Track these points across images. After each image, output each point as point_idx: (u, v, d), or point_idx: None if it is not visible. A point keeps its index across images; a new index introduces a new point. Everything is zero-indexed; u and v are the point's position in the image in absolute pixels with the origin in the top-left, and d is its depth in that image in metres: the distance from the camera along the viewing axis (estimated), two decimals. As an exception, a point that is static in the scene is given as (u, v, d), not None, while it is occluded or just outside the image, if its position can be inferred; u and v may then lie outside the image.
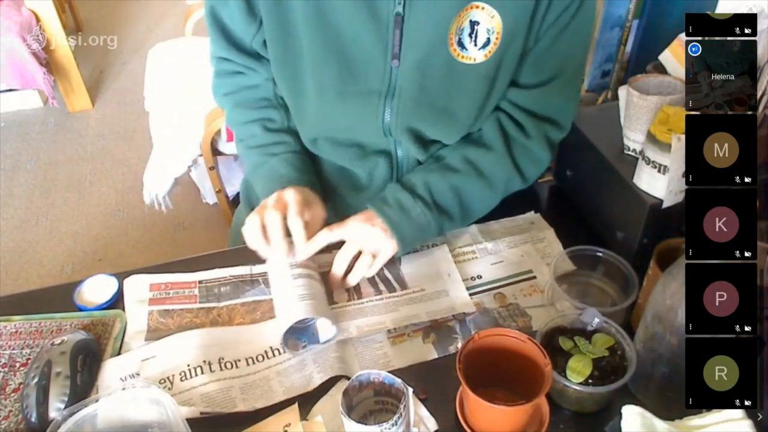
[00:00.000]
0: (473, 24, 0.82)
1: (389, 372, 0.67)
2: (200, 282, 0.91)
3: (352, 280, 0.87)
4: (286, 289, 0.83)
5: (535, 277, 0.92)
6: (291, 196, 0.86)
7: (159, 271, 0.94)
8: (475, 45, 0.84)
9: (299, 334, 0.82)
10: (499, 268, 0.93)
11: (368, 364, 0.80)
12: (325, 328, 0.82)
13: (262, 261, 0.93)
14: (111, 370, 0.79)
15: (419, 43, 0.83)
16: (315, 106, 0.92)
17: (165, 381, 0.78)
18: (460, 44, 0.84)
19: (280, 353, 0.81)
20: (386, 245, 0.86)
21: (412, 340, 0.83)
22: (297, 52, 0.88)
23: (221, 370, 0.79)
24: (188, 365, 0.80)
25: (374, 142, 0.95)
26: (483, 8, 0.81)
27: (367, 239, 0.86)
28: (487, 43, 0.83)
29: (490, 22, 0.82)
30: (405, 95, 0.88)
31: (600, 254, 0.87)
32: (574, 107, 0.94)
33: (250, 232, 0.85)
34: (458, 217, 0.92)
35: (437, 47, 0.83)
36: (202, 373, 0.79)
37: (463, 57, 0.84)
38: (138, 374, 0.79)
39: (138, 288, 0.89)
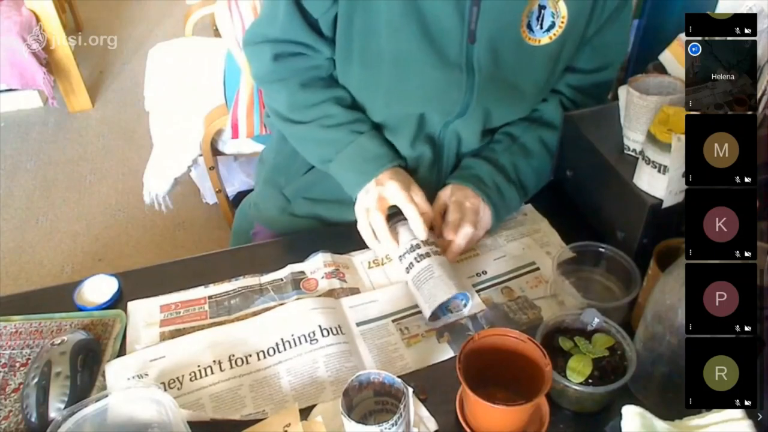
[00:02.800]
0: (541, 8, 0.88)
1: (405, 375, 0.67)
2: (210, 297, 0.89)
3: (461, 245, 0.91)
4: (422, 269, 0.86)
5: (538, 269, 0.92)
6: (394, 188, 0.89)
7: (159, 271, 0.94)
8: (541, 28, 0.89)
9: (439, 309, 0.84)
10: (503, 262, 0.93)
11: (385, 368, 0.78)
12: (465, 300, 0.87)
13: (269, 270, 0.93)
14: (118, 370, 0.79)
15: (494, 22, 0.87)
16: (389, 78, 0.92)
17: (174, 381, 0.78)
18: (529, 26, 0.89)
19: (291, 346, 0.81)
20: (488, 222, 0.95)
21: (426, 340, 0.83)
22: (373, 22, 0.88)
23: (231, 368, 0.79)
24: (198, 366, 0.80)
25: (434, 124, 0.97)
26: None
27: (479, 218, 0.94)
28: (552, 26, 0.89)
29: (555, 7, 0.88)
30: (482, 72, 0.91)
31: (602, 250, 0.87)
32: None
33: (366, 236, 0.91)
34: (531, 193, 1.01)
35: (510, 28, 0.88)
36: (212, 373, 0.79)
37: (530, 39, 0.90)
38: (147, 374, 0.79)
39: (148, 310, 0.88)
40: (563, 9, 0.88)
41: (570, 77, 1.00)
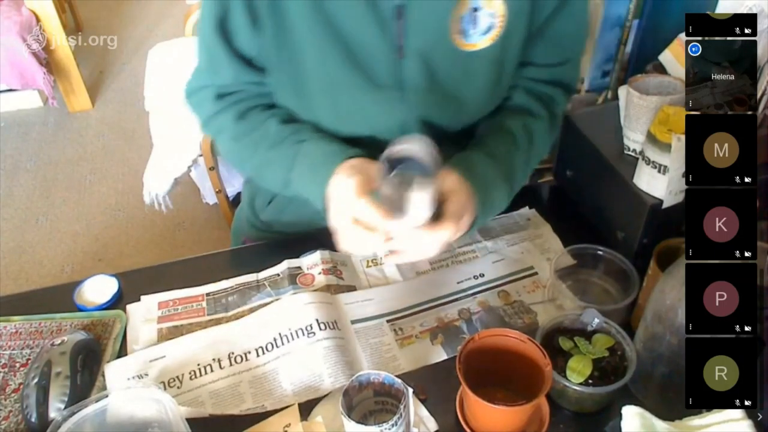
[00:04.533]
0: (474, 10, 0.82)
1: (399, 375, 0.67)
2: (207, 294, 0.90)
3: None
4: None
5: (536, 273, 0.92)
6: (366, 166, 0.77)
7: (159, 271, 0.94)
8: (478, 31, 0.83)
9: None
10: (501, 265, 0.93)
11: (378, 367, 0.79)
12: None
13: (265, 266, 0.93)
14: (118, 370, 0.79)
15: (422, 34, 0.82)
16: (324, 107, 0.89)
17: (174, 380, 0.78)
18: (463, 32, 0.83)
19: (289, 341, 0.82)
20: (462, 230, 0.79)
21: (420, 341, 0.83)
22: (298, 54, 0.84)
23: (231, 365, 0.80)
24: (198, 364, 0.80)
25: (386, 136, 0.88)
26: None
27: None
28: (490, 27, 0.83)
29: (491, 5, 0.81)
30: (415, 88, 0.86)
31: (600, 252, 0.87)
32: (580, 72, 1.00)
33: (360, 241, 0.74)
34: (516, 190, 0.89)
35: (440, 37, 0.82)
36: (212, 371, 0.79)
37: (466, 45, 0.84)
38: (146, 374, 0.79)
39: (146, 307, 0.88)
40: (500, 8, 0.82)
41: (527, 70, 0.93)
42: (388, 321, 0.86)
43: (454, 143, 0.92)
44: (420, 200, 0.69)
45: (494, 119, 0.93)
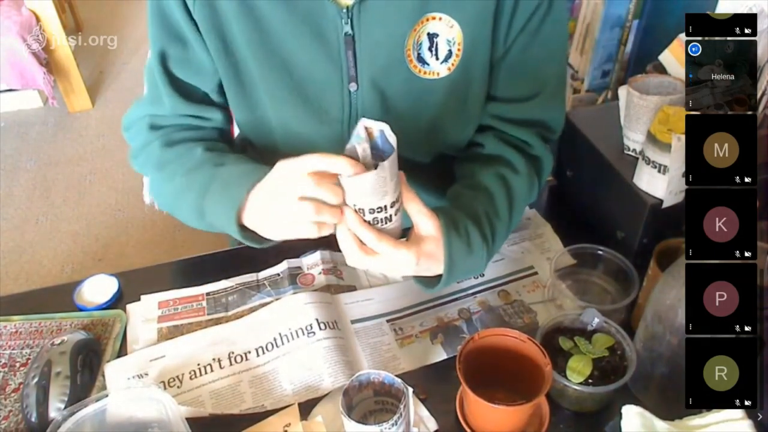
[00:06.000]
0: (432, 36, 0.78)
1: (399, 375, 0.67)
2: (207, 294, 0.90)
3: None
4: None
5: (536, 273, 0.92)
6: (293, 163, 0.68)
7: (159, 271, 0.94)
8: (437, 58, 0.79)
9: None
10: (501, 265, 0.93)
11: (378, 367, 0.79)
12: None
13: (265, 266, 0.93)
14: (118, 369, 0.79)
15: (375, 62, 0.78)
16: (283, 146, 0.86)
17: (174, 380, 0.79)
18: (420, 59, 0.79)
19: (289, 340, 0.82)
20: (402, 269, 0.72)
21: (420, 341, 0.83)
22: (253, 93, 0.82)
23: (231, 365, 0.80)
24: (198, 364, 0.80)
25: None
26: (440, 19, 0.76)
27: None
28: (450, 55, 0.79)
29: (449, 32, 0.77)
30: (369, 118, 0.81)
31: (600, 252, 0.87)
32: (563, 113, 0.90)
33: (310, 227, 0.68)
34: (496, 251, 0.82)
35: (395, 65, 0.78)
36: (212, 370, 0.80)
37: (425, 72, 0.80)
38: (146, 374, 0.79)
39: (146, 307, 0.88)
40: (458, 34, 0.77)
41: (492, 106, 0.86)
42: (388, 321, 0.86)
43: (425, 174, 0.89)
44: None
45: (472, 176, 0.83)
